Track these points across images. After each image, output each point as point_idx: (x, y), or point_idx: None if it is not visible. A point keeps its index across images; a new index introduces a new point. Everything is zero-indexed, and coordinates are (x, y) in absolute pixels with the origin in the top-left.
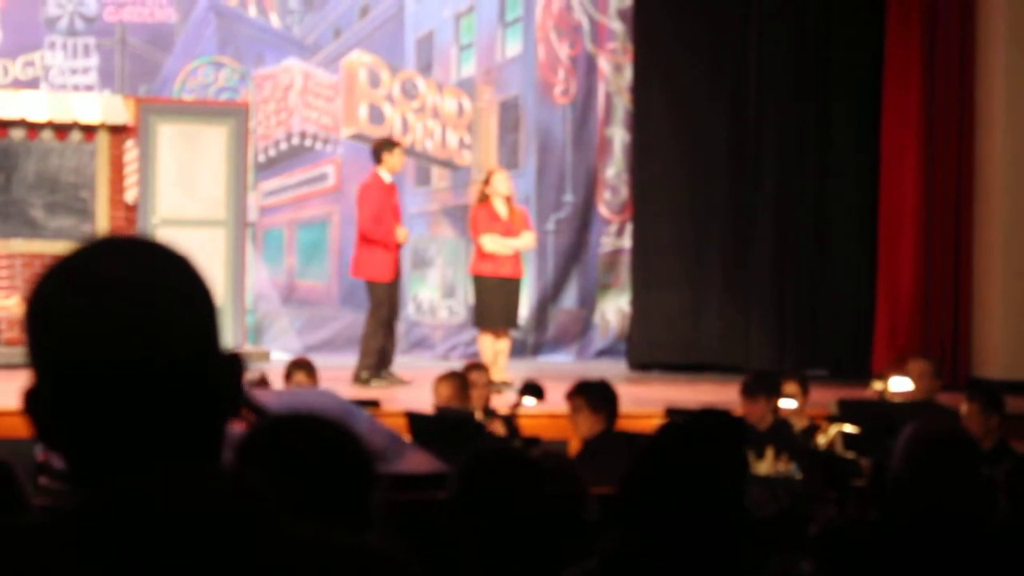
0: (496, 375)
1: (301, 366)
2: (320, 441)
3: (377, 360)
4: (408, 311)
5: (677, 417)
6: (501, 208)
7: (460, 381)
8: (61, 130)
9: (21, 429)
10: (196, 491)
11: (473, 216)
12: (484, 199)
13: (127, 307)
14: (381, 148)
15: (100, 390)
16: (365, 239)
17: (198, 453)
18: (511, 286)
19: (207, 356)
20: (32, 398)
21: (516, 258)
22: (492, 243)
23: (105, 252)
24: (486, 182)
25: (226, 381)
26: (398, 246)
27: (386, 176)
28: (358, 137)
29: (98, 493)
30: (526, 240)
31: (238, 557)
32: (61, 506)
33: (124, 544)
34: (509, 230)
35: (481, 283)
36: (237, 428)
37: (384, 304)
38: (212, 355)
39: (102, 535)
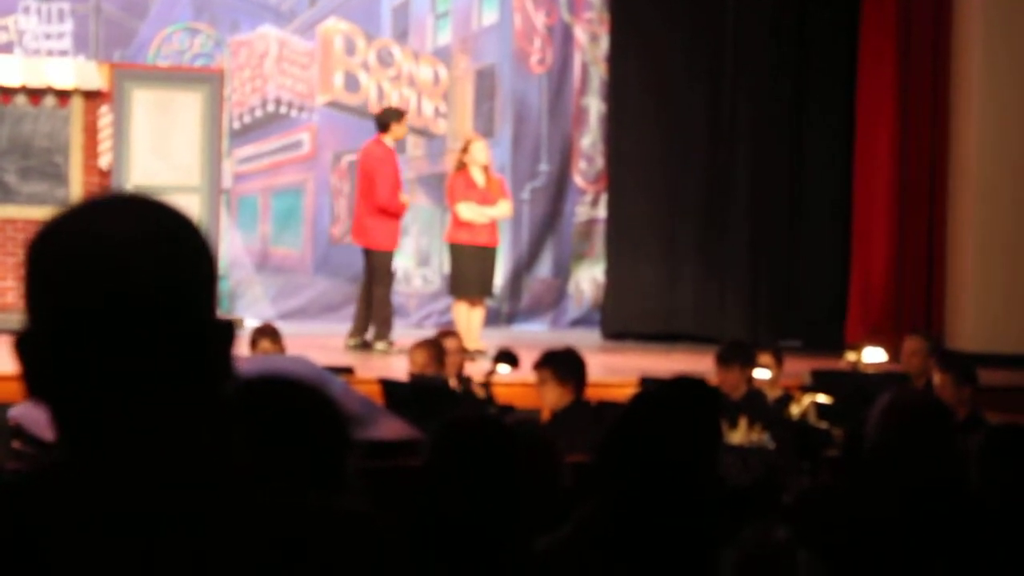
0: (470, 343)
1: (266, 333)
2: (295, 404)
3: (391, 328)
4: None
5: (651, 386)
6: (478, 176)
7: (436, 348)
8: (35, 95)
9: None
10: (174, 454)
11: (450, 184)
12: (461, 167)
13: (119, 266)
14: (390, 117)
15: (89, 345)
16: (382, 211)
17: (181, 415)
18: (487, 255)
19: (200, 319)
20: (24, 342)
21: (492, 227)
22: (468, 211)
23: (107, 208)
24: (464, 150)
25: (218, 346)
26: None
27: (391, 144)
28: (333, 105)
29: (77, 453)
30: (503, 209)
31: (214, 520)
32: (39, 465)
33: (101, 504)
34: (486, 198)
35: (457, 251)
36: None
37: (390, 272)
38: (203, 320)
39: (79, 494)
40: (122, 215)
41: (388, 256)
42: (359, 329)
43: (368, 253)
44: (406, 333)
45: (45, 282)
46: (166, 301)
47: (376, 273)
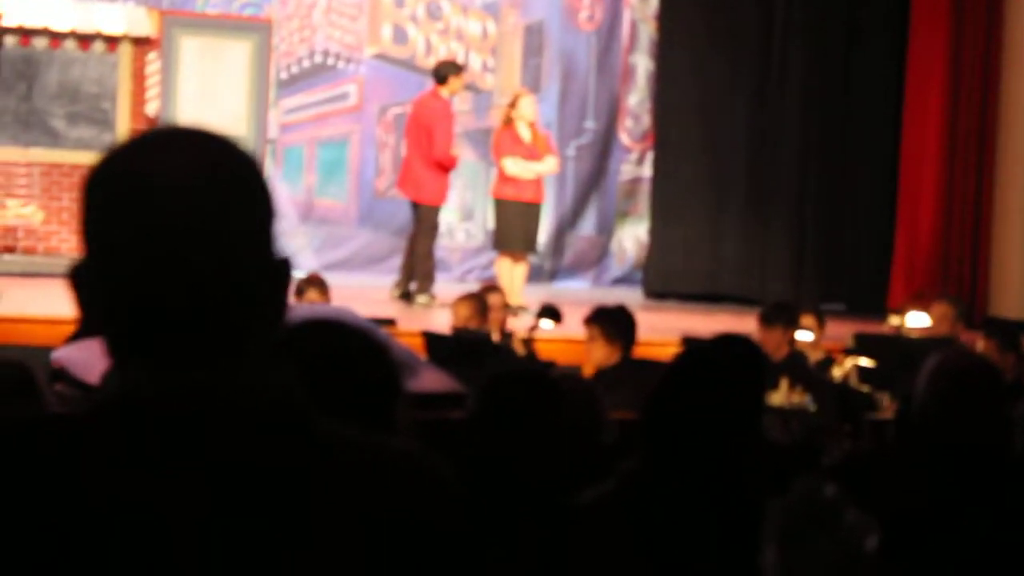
0: (513, 299)
1: (314, 283)
2: (346, 346)
3: (433, 282)
4: None
5: (696, 344)
6: (525, 132)
7: (479, 303)
8: (84, 40)
9: (39, 336)
10: (232, 385)
11: (496, 139)
12: (508, 122)
13: (179, 200)
14: (448, 70)
15: (142, 279)
16: (438, 164)
17: (236, 349)
18: (532, 210)
19: (256, 256)
20: (80, 274)
21: (538, 182)
22: (514, 166)
23: (167, 141)
24: (512, 105)
25: (274, 283)
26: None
27: (447, 98)
28: (381, 57)
29: (134, 383)
30: (549, 164)
31: (272, 452)
32: (94, 400)
33: (157, 435)
34: (532, 154)
35: (502, 206)
36: None
37: (435, 226)
38: (261, 256)
39: (136, 428)
40: (180, 149)
41: (436, 210)
42: (404, 280)
43: (416, 206)
44: (448, 287)
45: (101, 215)
46: (223, 235)
47: (422, 226)
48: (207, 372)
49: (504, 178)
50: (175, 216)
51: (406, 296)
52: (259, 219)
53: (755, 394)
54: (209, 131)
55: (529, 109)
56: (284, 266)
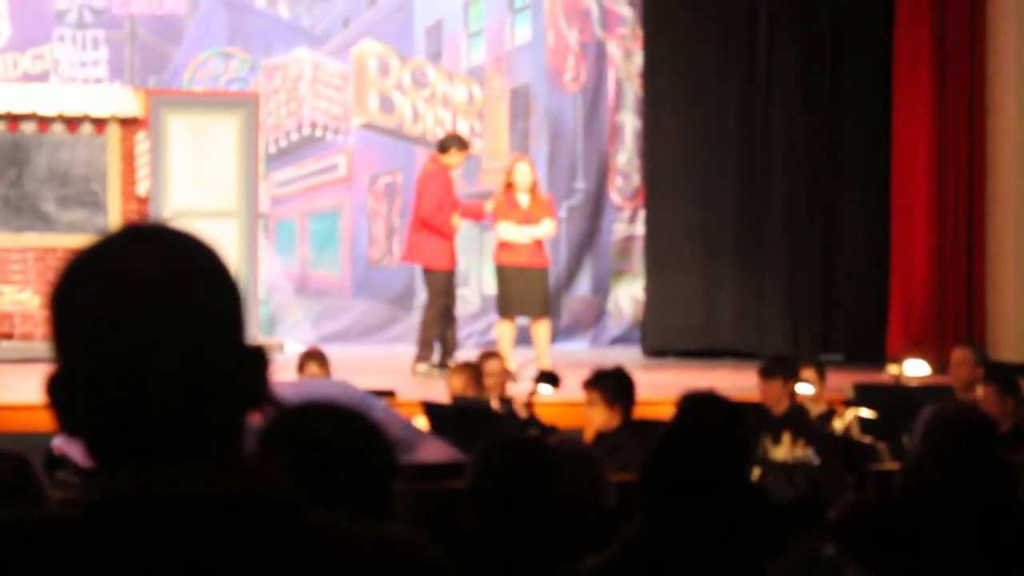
0: (541, 362)
1: (313, 357)
2: (340, 430)
3: (432, 351)
4: (420, 299)
5: (679, 406)
6: (522, 197)
7: (473, 372)
8: (72, 123)
9: (38, 423)
10: (221, 481)
11: (495, 205)
12: (508, 187)
13: (149, 296)
14: (451, 143)
15: (120, 379)
16: (426, 225)
17: (220, 443)
18: (529, 274)
19: (230, 347)
20: (54, 385)
21: (536, 246)
22: (508, 231)
23: (130, 240)
24: (510, 171)
25: (250, 373)
26: (454, 234)
27: (444, 164)
28: (369, 126)
29: (122, 484)
30: (544, 228)
31: (264, 546)
32: (85, 499)
33: (150, 536)
34: (527, 218)
35: (500, 272)
36: (253, 419)
37: (443, 293)
38: (236, 346)
39: (130, 527)
40: (142, 248)
41: (442, 276)
42: (444, 353)
43: (424, 273)
44: None
45: (68, 321)
46: (197, 327)
47: (428, 292)
48: (193, 469)
49: (501, 243)
50: (149, 312)
51: (444, 367)
52: (230, 310)
53: (736, 451)
54: (165, 227)
55: (522, 177)
56: (259, 354)
